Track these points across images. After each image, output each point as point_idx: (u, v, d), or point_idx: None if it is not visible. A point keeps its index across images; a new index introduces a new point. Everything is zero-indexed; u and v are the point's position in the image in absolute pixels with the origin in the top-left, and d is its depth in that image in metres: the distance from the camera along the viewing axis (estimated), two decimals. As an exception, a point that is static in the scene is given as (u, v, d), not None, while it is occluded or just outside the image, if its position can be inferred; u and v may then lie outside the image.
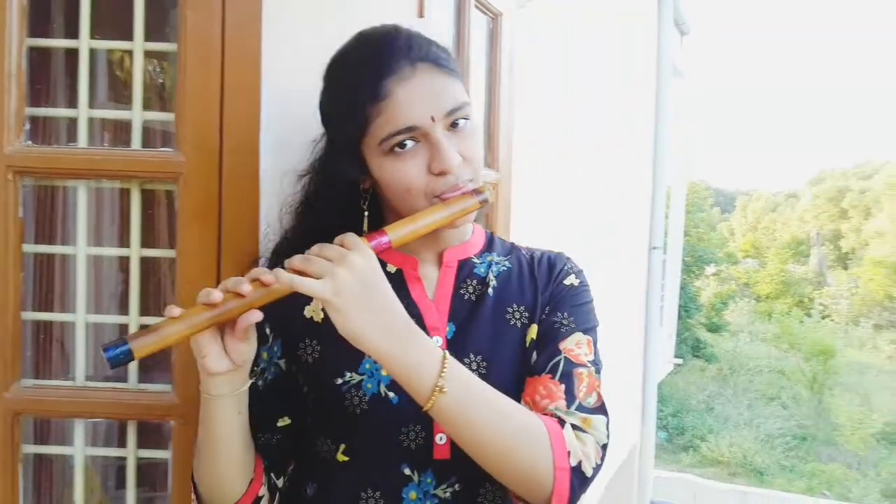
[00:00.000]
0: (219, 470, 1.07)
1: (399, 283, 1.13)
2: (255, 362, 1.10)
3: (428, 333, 1.08)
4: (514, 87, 2.01)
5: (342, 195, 1.15)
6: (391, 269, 1.16)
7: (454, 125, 1.05)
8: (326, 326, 1.01)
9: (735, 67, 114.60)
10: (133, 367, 1.34)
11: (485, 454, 0.96)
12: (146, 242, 1.36)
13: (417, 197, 1.05)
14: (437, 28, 1.50)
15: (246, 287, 0.93)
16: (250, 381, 1.05)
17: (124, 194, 1.35)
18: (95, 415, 1.38)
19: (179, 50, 1.27)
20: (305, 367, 1.14)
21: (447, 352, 0.95)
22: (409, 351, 0.93)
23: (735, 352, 20.57)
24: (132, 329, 1.34)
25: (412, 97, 1.02)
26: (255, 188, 1.28)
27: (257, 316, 0.95)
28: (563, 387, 1.05)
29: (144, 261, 1.36)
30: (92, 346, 1.38)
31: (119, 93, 2.08)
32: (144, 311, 1.37)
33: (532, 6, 2.26)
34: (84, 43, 1.32)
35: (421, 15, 1.39)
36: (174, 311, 0.93)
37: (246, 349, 0.99)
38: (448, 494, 1.09)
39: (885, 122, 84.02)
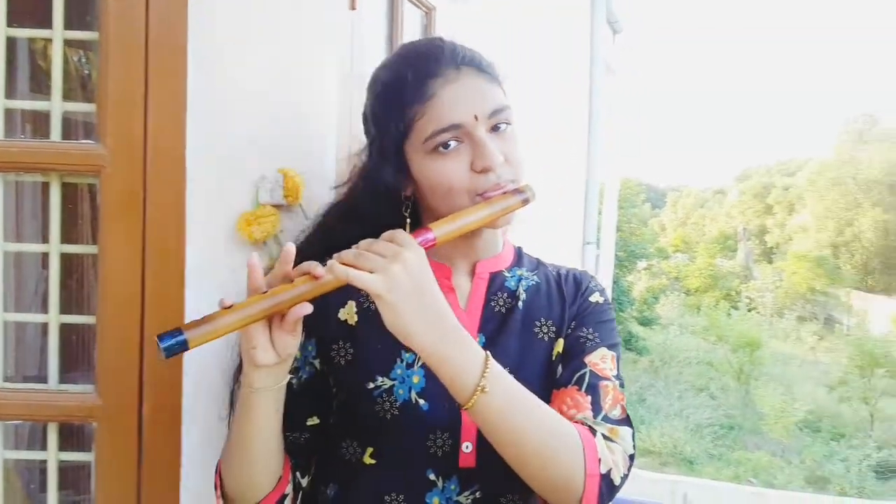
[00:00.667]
0: (251, 466, 1.07)
1: None
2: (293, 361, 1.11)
3: None
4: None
5: (384, 203, 1.15)
6: None
7: (496, 128, 1.08)
8: (360, 329, 1.10)
9: (665, 67, 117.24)
10: (53, 367, 1.30)
11: (521, 456, 0.98)
12: (68, 238, 1.32)
13: (460, 195, 1.07)
14: (369, 21, 1.49)
15: (303, 278, 0.94)
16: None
17: (45, 188, 1.30)
18: (14, 416, 1.33)
19: (101, 38, 1.23)
20: (337, 369, 1.15)
21: (489, 353, 0.97)
22: (455, 350, 0.95)
23: (666, 344, 21.02)
24: (52, 327, 1.29)
25: (456, 97, 1.06)
26: (181, 182, 1.25)
27: (308, 308, 0.95)
28: (589, 398, 1.07)
29: (66, 257, 1.31)
30: (11, 345, 1.33)
31: (44, 84, 2.01)
32: (66, 309, 1.32)
33: (468, 1, 2.27)
34: (0, 31, 1.26)
35: (353, 7, 1.37)
36: (226, 301, 0.93)
37: (292, 342, 0.99)
38: (470, 501, 1.10)
39: (806, 121, 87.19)
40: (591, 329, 1.15)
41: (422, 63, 1.09)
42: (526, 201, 1.09)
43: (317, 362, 1.16)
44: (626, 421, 1.08)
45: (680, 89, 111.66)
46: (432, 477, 1.10)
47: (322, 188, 1.32)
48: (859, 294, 28.65)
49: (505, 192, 1.07)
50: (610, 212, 9.27)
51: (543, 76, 4.45)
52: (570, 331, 1.16)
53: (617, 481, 1.00)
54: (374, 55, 1.67)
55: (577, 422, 1.04)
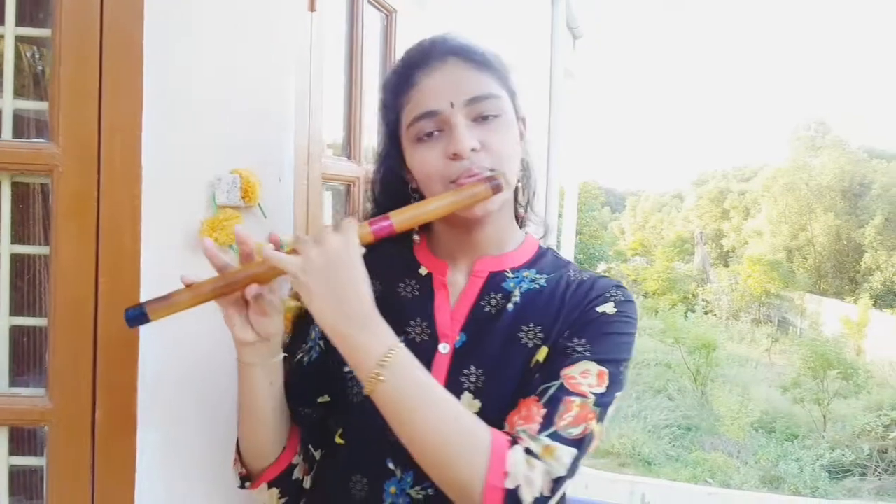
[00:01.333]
0: (253, 434, 1.14)
1: (427, 286, 1.20)
2: (304, 340, 1.21)
3: (438, 339, 1.14)
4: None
5: (396, 193, 1.20)
6: (423, 271, 1.21)
7: (483, 119, 1.09)
8: None
9: (625, 72, 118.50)
10: (3, 370, 1.27)
11: (417, 452, 0.98)
12: (19, 238, 1.29)
13: (437, 183, 1.09)
14: (328, 22, 1.48)
15: (242, 260, 1.02)
16: (297, 357, 1.18)
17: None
18: (-38, 421, 1.30)
19: (53, 35, 1.21)
20: (332, 350, 1.13)
21: (402, 346, 0.98)
22: (359, 334, 0.97)
23: (625, 346, 21.20)
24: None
25: (435, 84, 1.09)
26: (136, 182, 1.23)
27: (254, 289, 1.00)
28: (544, 411, 1.01)
29: (18, 258, 1.29)
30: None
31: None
32: (17, 310, 1.30)
33: (430, 5, 2.27)
34: (-51, 26, 1.24)
35: (312, 8, 1.37)
36: (187, 279, 1.02)
37: (268, 323, 1.05)
38: (420, 496, 1.10)
39: (760, 128, 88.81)
40: (584, 340, 1.08)
41: (414, 55, 1.14)
42: (497, 188, 1.06)
43: (321, 343, 1.21)
44: (577, 443, 1.00)
45: (639, 94, 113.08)
46: (391, 466, 1.11)
47: (281, 188, 1.31)
48: (812, 297, 29.19)
49: (478, 180, 1.06)
50: (570, 215, 9.34)
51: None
52: (561, 339, 1.10)
53: (527, 500, 0.94)
54: (334, 56, 1.67)
55: (512, 433, 1.00)
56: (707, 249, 37.66)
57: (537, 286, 1.17)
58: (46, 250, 1.26)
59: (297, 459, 1.17)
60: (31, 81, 2.05)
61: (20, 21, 1.26)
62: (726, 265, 35.66)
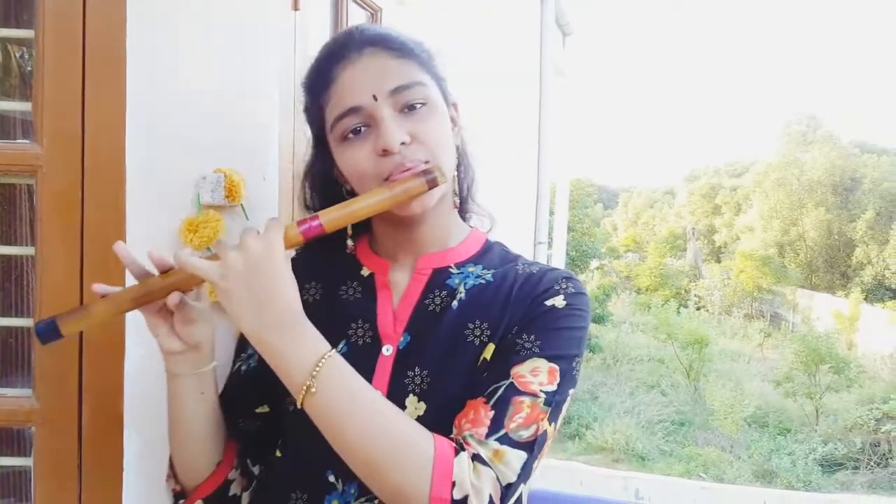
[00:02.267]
0: (184, 447, 1.09)
1: (369, 286, 1.14)
2: (244, 349, 1.16)
3: (381, 341, 1.08)
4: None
5: (328, 195, 1.14)
6: (365, 272, 1.16)
7: (411, 108, 1.03)
8: None
9: (616, 69, 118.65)
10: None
11: (356, 465, 0.93)
12: (6, 239, 1.29)
13: (369, 181, 1.03)
14: (313, 21, 1.48)
15: (154, 270, 0.97)
16: (236, 366, 1.13)
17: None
18: (-51, 422, 1.30)
19: (36, 36, 1.21)
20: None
21: (334, 352, 0.93)
22: (284, 344, 0.91)
23: (618, 342, 21.22)
24: None
25: (354, 78, 1.02)
26: (120, 183, 1.23)
27: (175, 298, 0.97)
28: (492, 413, 0.96)
29: (5, 259, 1.29)
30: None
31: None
32: (4, 311, 1.30)
33: (415, 3, 2.27)
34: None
35: (296, 7, 1.37)
36: (99, 288, 0.97)
37: (195, 331, 1.01)
38: None
39: (751, 123, 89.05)
40: (533, 336, 1.03)
41: (330, 50, 1.07)
42: (433, 182, 1.00)
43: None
44: (528, 445, 0.95)
45: (630, 91, 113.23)
46: (332, 479, 1.04)
47: (265, 188, 1.32)
48: (804, 292, 29.28)
49: (414, 175, 1.01)
50: (561, 212, 9.37)
51: (493, 78, 4.47)
52: (509, 335, 1.05)
53: None
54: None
55: (459, 438, 0.95)
56: (699, 245, 37.72)
57: (483, 281, 1.12)
58: (32, 251, 1.26)
59: (233, 474, 1.12)
60: (20, 82, 2.05)
61: (5, 22, 1.26)
62: (718, 261, 35.72)
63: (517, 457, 0.94)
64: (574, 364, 1.04)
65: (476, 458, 0.92)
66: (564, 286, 1.08)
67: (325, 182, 1.15)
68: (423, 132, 1.03)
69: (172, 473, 1.12)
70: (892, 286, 28.43)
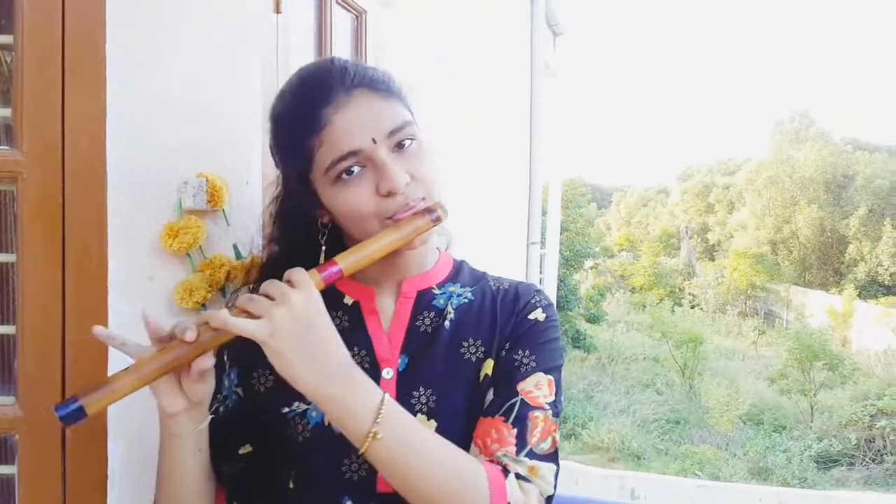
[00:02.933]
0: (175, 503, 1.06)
1: (356, 315, 1.15)
2: (218, 390, 1.09)
3: (379, 366, 1.10)
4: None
5: (302, 231, 1.14)
6: (349, 300, 1.17)
7: (400, 146, 1.05)
8: None
9: (607, 69, 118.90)
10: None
11: (417, 498, 0.96)
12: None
13: (370, 221, 1.05)
14: (295, 24, 1.48)
15: (190, 334, 0.92)
16: (210, 412, 1.04)
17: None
18: (-69, 430, 1.29)
19: (15, 41, 1.20)
20: (257, 396, 1.13)
21: (387, 395, 0.95)
22: (345, 394, 0.93)
23: (613, 341, 21.26)
24: None
25: (350, 122, 1.02)
26: (101, 188, 1.22)
27: (208, 362, 0.95)
28: (515, 431, 1.03)
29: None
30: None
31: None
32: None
33: (401, 4, 2.26)
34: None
35: (277, 10, 1.36)
36: (99, 331, 0.95)
37: (202, 388, 0.99)
38: None
39: (744, 121, 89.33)
40: (527, 351, 1.10)
41: (312, 91, 1.05)
42: (437, 220, 1.06)
43: (240, 390, 1.15)
44: (553, 456, 1.05)
45: (623, 90, 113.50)
46: (349, 503, 1.06)
47: (248, 192, 1.31)
48: (797, 289, 29.38)
49: (415, 213, 1.05)
50: (554, 212, 9.37)
51: (483, 79, 4.47)
52: (503, 353, 1.11)
53: None
54: (302, 59, 1.67)
55: (495, 460, 1.01)
56: (693, 244, 37.81)
57: (466, 300, 1.17)
58: (13, 258, 1.25)
59: None
60: (9, 88, 2.04)
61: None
62: (712, 259, 35.83)
63: (549, 469, 1.03)
64: (561, 373, 1.13)
65: (519, 477, 0.99)
66: (539, 299, 1.17)
67: (296, 219, 1.15)
68: (420, 171, 1.06)
69: None
70: (885, 282, 28.55)
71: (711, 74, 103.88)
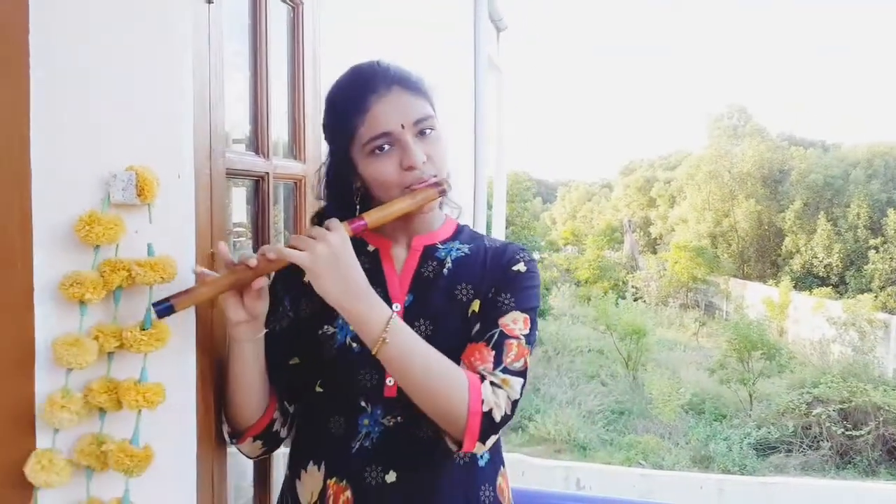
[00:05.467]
0: (243, 400, 1.39)
1: (375, 259, 1.48)
2: (275, 312, 1.43)
3: (391, 300, 1.43)
4: (320, 79, 1.98)
5: (340, 193, 1.48)
6: (371, 248, 1.49)
7: (422, 133, 1.39)
8: (315, 291, 1.28)
9: (551, 64, 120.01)
10: None
11: (415, 392, 1.28)
12: None
13: (392, 188, 1.38)
14: (229, 15, 1.45)
15: (253, 262, 1.26)
16: (270, 326, 1.39)
17: None
18: None
19: (-70, 29, 1.14)
20: (301, 320, 1.47)
21: (395, 314, 1.27)
22: (364, 309, 1.25)
23: (559, 334, 21.44)
24: None
25: (387, 110, 1.36)
26: (25, 181, 1.18)
27: (263, 281, 1.29)
28: (493, 353, 1.34)
29: None
30: None
31: None
32: None
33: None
34: None
35: (209, 0, 1.33)
36: (199, 269, 1.26)
37: (259, 304, 1.32)
38: (392, 424, 1.38)
39: (685, 116, 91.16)
40: (508, 294, 1.40)
41: (361, 82, 1.40)
42: (443, 192, 1.40)
43: (291, 313, 1.48)
44: (522, 373, 1.34)
45: (567, 86, 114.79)
46: (363, 403, 1.40)
47: (179, 184, 1.27)
48: (736, 281, 30.04)
49: (428, 185, 1.37)
50: (499, 206, 9.41)
51: (426, 74, 4.47)
52: (490, 295, 1.41)
53: (497, 419, 1.28)
54: (237, 49, 1.64)
55: (475, 371, 1.31)
56: (635, 237, 38.43)
57: (463, 253, 1.48)
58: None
59: (276, 415, 1.44)
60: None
61: None
62: (654, 252, 36.40)
63: (517, 381, 1.33)
64: (536, 313, 1.43)
65: (493, 384, 1.30)
66: (523, 255, 1.48)
67: (338, 182, 1.47)
68: (434, 154, 1.40)
69: (225, 420, 1.42)
70: (820, 274, 29.43)
71: (652, 69, 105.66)
